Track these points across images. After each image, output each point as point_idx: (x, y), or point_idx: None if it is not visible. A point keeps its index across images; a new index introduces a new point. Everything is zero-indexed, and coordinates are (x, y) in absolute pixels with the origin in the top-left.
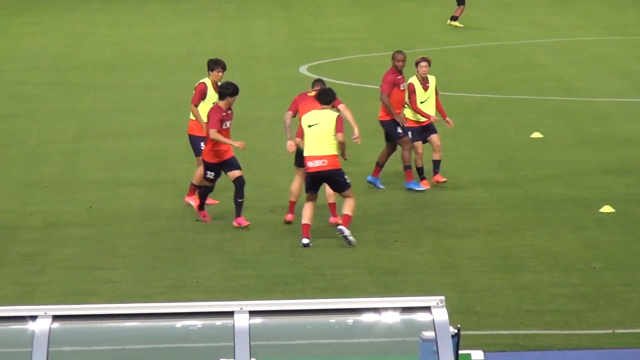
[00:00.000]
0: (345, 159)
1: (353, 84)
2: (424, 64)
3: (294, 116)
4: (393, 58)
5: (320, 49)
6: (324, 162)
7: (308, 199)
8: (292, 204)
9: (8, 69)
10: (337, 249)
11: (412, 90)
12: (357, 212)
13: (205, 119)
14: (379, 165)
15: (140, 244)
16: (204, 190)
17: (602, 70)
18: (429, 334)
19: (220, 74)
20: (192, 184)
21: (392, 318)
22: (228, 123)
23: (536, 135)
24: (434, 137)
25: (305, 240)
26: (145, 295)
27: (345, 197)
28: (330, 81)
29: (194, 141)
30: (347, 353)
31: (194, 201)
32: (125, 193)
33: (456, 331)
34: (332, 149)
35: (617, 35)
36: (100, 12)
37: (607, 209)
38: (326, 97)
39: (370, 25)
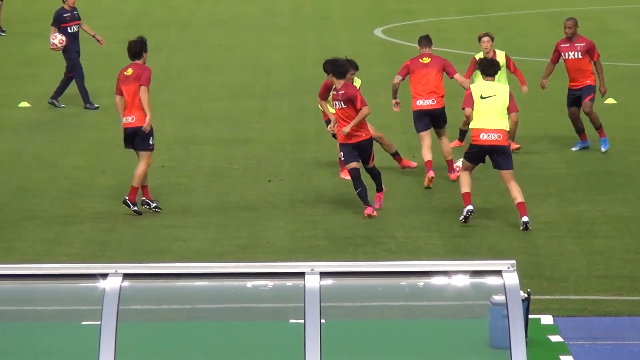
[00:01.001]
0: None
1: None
2: (485, 39)
3: (403, 80)
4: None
5: (395, 11)
6: (498, 137)
7: (468, 169)
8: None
9: None
10: (408, 212)
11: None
12: (423, 177)
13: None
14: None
15: (212, 203)
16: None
17: None
18: (499, 297)
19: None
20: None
21: (462, 281)
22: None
23: (610, 101)
24: None
25: (469, 207)
26: (216, 255)
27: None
28: (404, 44)
29: None
30: (416, 316)
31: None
32: (197, 152)
33: (526, 295)
34: (505, 124)
35: None
36: None
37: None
38: (492, 69)
39: None
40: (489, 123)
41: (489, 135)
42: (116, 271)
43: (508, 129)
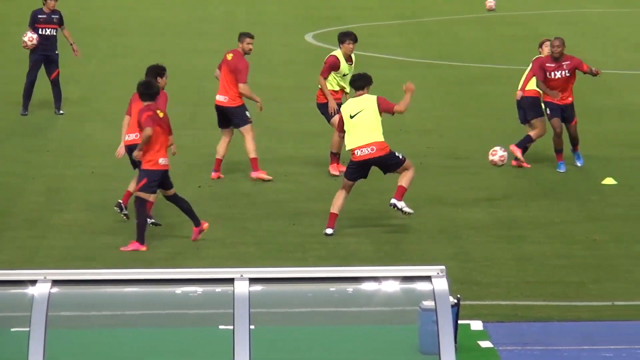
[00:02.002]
0: None
1: (357, 52)
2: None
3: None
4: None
5: (326, 16)
6: (372, 149)
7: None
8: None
9: (13, 31)
10: (339, 217)
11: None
12: (359, 182)
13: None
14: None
15: None
16: None
17: (610, 42)
18: (428, 303)
19: (351, 45)
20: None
21: (392, 287)
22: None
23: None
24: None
25: (329, 230)
26: (146, 261)
27: (404, 169)
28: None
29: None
30: (346, 322)
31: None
32: (126, 158)
33: (456, 301)
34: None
35: (624, 7)
36: None
37: (609, 181)
38: (361, 82)
39: None
40: (361, 139)
41: (362, 151)
42: (45, 277)
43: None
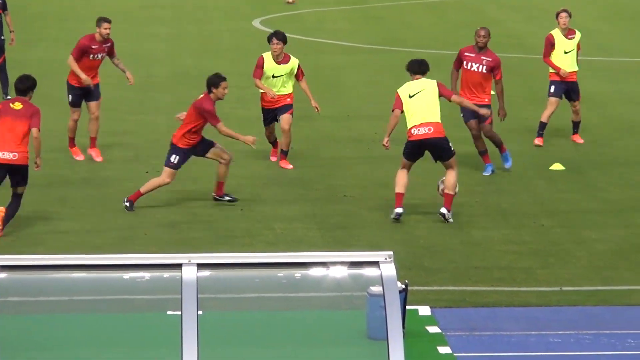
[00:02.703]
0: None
1: (305, 38)
2: (563, 14)
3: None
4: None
5: (274, 1)
6: (429, 130)
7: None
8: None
9: None
10: (286, 203)
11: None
12: (305, 166)
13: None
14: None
15: (90, 195)
16: None
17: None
18: (376, 289)
19: (278, 45)
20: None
21: (340, 272)
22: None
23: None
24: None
25: (399, 210)
26: (94, 246)
27: (450, 167)
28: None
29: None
30: (294, 307)
31: None
32: (76, 143)
33: (404, 287)
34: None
35: None
36: None
37: (557, 166)
38: (419, 67)
39: None
40: (419, 118)
41: (419, 130)
42: None
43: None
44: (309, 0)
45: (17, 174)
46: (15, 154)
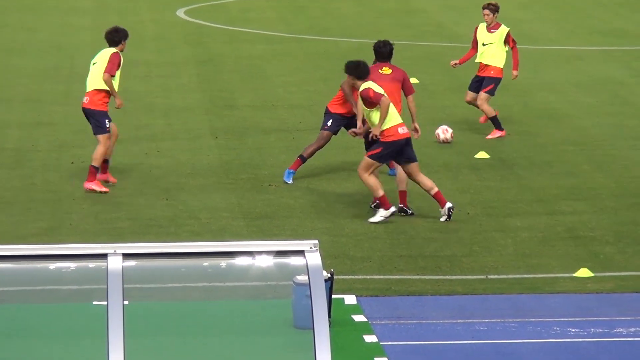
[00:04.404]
0: None
1: (229, 28)
2: (486, 11)
3: None
4: None
5: None
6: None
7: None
8: None
9: None
10: (211, 192)
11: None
12: (230, 155)
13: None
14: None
15: (15, 185)
16: None
17: (481, 16)
18: (302, 278)
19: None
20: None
21: (265, 262)
22: None
23: (412, 80)
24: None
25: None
26: (19, 237)
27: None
28: (207, 24)
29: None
30: (220, 296)
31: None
32: (1, 135)
33: (329, 275)
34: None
35: None
36: None
37: (482, 154)
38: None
39: None
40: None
41: (403, 129)
42: None
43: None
44: None
45: None
46: None
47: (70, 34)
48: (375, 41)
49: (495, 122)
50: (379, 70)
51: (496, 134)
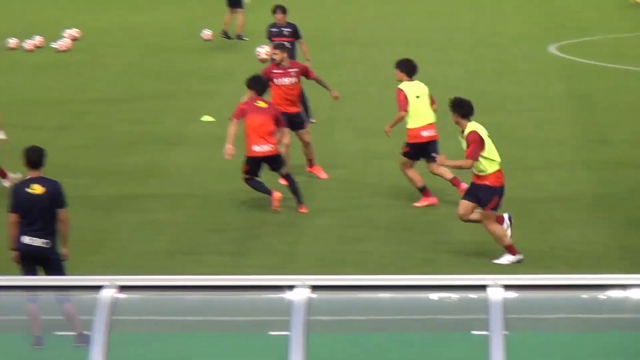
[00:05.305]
0: None
1: (601, 64)
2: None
3: None
4: None
5: (570, 27)
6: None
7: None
8: None
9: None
10: (586, 226)
11: None
12: (604, 189)
13: None
14: None
15: (394, 216)
16: None
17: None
18: None
19: None
20: None
21: None
22: None
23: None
24: None
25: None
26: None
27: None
28: (578, 60)
29: None
30: None
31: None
32: (377, 165)
33: None
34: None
35: None
36: None
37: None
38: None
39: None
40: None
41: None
42: (303, 283)
43: None
44: (603, 25)
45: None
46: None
47: (448, 68)
48: None
49: None
50: None
51: None
